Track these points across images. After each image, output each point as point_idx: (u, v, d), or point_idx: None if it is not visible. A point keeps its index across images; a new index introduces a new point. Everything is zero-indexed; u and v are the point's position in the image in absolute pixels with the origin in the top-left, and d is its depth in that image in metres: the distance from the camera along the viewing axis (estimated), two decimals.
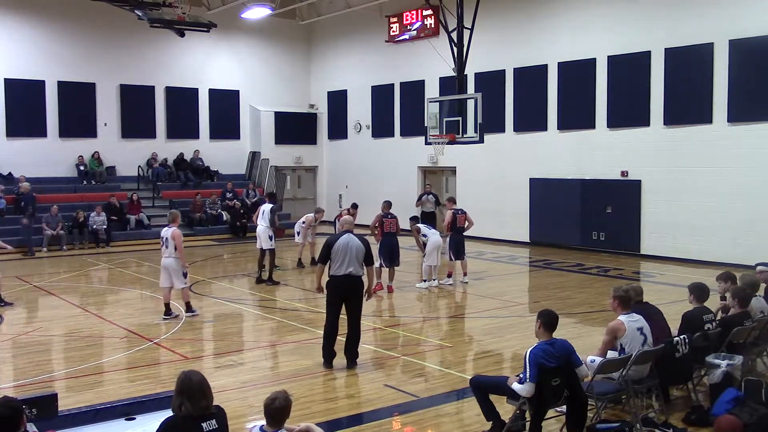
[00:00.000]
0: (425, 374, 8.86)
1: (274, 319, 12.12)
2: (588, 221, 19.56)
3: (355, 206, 16.60)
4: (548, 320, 6.18)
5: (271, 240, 14.95)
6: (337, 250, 8.79)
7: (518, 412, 6.26)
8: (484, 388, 6.58)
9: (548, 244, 20.42)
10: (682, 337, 7.03)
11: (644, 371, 6.83)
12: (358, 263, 8.81)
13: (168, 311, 11.74)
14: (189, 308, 11.88)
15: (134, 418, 5.81)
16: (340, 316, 8.98)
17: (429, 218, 20.86)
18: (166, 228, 11.85)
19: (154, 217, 23.68)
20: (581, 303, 12.87)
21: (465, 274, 15.18)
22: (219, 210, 24.38)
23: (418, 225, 15.08)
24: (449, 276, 15.04)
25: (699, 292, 7.64)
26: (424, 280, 14.58)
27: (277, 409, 4.51)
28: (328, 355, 8.93)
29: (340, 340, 9.04)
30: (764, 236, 15.84)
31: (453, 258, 14.99)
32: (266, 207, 15.25)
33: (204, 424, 4.46)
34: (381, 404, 7.67)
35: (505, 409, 6.52)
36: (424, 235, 14.70)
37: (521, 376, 6.07)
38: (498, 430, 6.41)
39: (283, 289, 14.69)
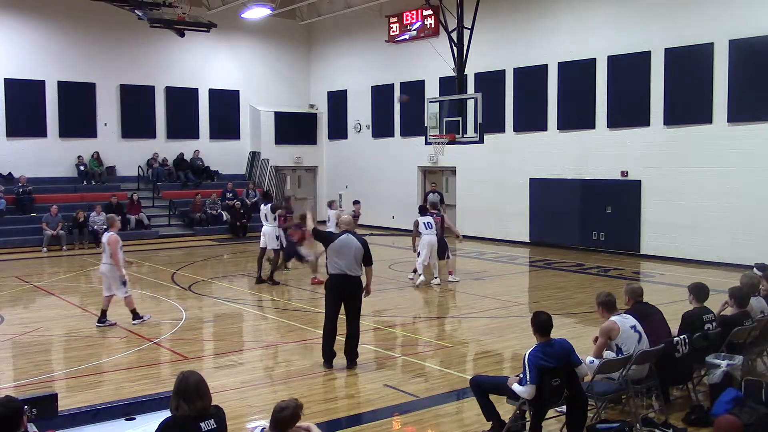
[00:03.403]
0: (425, 374, 8.85)
1: (274, 319, 12.12)
2: (588, 221, 19.56)
3: (356, 202, 17.22)
4: (541, 324, 6.17)
5: (277, 239, 14.94)
6: (334, 249, 8.80)
7: (518, 412, 6.26)
8: (484, 388, 6.58)
9: (548, 244, 20.41)
10: (682, 337, 7.03)
11: (644, 371, 6.83)
12: (356, 263, 8.80)
13: (102, 318, 11.24)
14: (136, 315, 11.32)
15: (134, 418, 5.79)
16: (341, 316, 8.99)
17: None
18: (104, 233, 11.48)
19: (154, 218, 23.71)
20: (581, 303, 12.88)
21: (451, 273, 15.35)
22: (219, 210, 24.39)
23: (417, 219, 15.04)
24: (415, 270, 15.15)
25: (699, 292, 7.64)
26: (414, 271, 14.81)
27: (283, 419, 4.49)
28: (328, 355, 8.93)
29: (340, 340, 9.04)
30: (764, 236, 15.84)
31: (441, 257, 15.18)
32: (266, 209, 15.26)
33: (202, 425, 4.46)
34: (381, 404, 7.66)
35: (505, 409, 6.52)
36: (420, 232, 14.81)
37: (521, 376, 6.07)
38: (498, 430, 6.41)
39: (283, 289, 14.68)
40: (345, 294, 8.86)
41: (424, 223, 14.78)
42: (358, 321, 9.01)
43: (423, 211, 15.34)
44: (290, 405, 4.52)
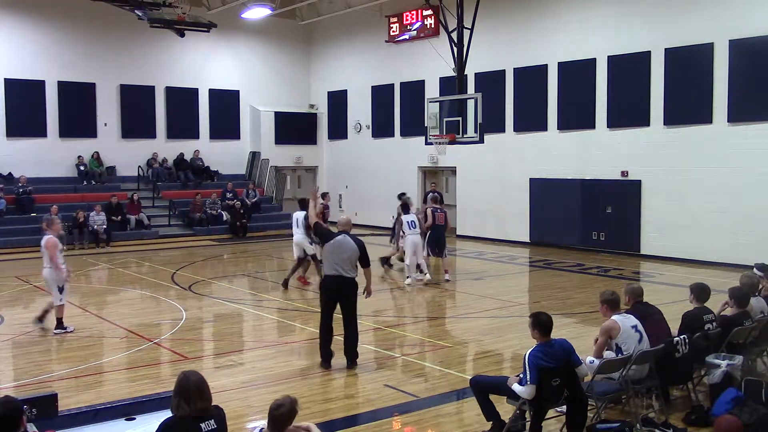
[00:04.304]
0: (425, 374, 8.86)
1: (274, 319, 12.13)
2: (588, 221, 19.56)
3: (402, 195, 16.86)
4: (541, 324, 6.16)
5: (312, 244, 14.27)
6: (328, 250, 8.79)
7: (518, 412, 6.26)
8: (484, 388, 6.58)
9: (548, 244, 20.41)
10: (682, 337, 7.03)
11: (644, 371, 6.83)
12: (350, 265, 8.74)
13: (59, 325, 10.75)
14: (60, 325, 10.73)
15: (134, 418, 5.79)
16: (338, 316, 8.97)
17: None
18: (43, 236, 10.76)
19: (154, 218, 23.71)
20: (581, 303, 12.89)
21: (446, 272, 15.30)
22: (219, 210, 24.38)
23: (401, 218, 15.01)
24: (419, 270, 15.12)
25: (699, 292, 7.64)
26: (408, 277, 14.74)
27: (280, 416, 4.48)
28: (326, 354, 8.91)
29: (339, 339, 9.03)
30: (764, 236, 15.84)
31: (430, 254, 15.11)
32: (299, 215, 14.59)
33: (203, 425, 4.45)
34: (381, 404, 7.66)
35: (505, 409, 6.51)
36: (403, 232, 14.82)
37: (521, 376, 6.07)
38: (498, 430, 6.41)
39: (284, 288, 14.66)
40: (339, 295, 8.83)
41: (408, 222, 14.71)
42: (355, 321, 8.97)
43: (406, 209, 15.22)
44: (286, 402, 4.51)
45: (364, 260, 8.92)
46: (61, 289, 10.67)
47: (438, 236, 15.00)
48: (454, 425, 7.05)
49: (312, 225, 9.39)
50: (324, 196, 17.87)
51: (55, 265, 10.55)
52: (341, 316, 8.93)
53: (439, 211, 15.19)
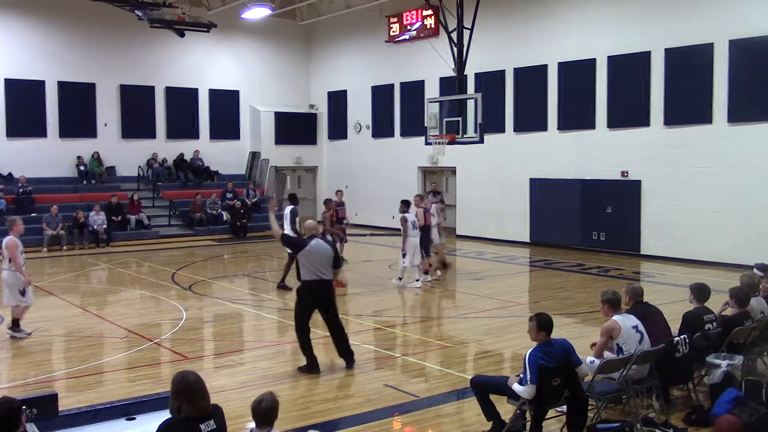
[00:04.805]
0: (425, 374, 8.85)
1: (274, 319, 12.12)
2: (588, 221, 19.56)
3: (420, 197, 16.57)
4: (543, 322, 6.15)
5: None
6: (305, 256, 8.75)
7: (518, 412, 6.25)
8: (485, 388, 6.58)
9: (548, 244, 20.40)
10: (682, 337, 7.03)
11: (644, 371, 6.83)
12: (328, 267, 8.78)
13: (16, 327, 10.55)
14: (15, 325, 10.51)
15: (134, 418, 5.81)
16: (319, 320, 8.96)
17: None
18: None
19: (154, 218, 23.71)
20: (581, 303, 12.89)
21: (438, 269, 15.38)
22: (219, 210, 24.38)
23: (405, 216, 14.60)
24: (426, 273, 15.01)
25: (700, 292, 7.64)
26: (399, 278, 14.62)
27: (264, 411, 4.50)
28: (314, 359, 8.77)
29: (327, 340, 9.03)
30: (764, 236, 15.84)
31: (425, 256, 15.07)
32: (287, 210, 14.90)
33: (202, 425, 4.44)
34: (381, 404, 7.66)
35: (505, 409, 6.52)
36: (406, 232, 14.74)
37: (521, 376, 6.07)
38: (498, 430, 6.41)
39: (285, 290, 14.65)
40: (322, 298, 8.81)
41: (411, 222, 14.58)
42: (340, 321, 8.97)
43: (407, 206, 14.83)
44: (266, 397, 4.56)
45: (336, 261, 9.01)
46: (23, 292, 10.44)
47: (426, 236, 14.95)
48: (454, 425, 7.05)
49: (279, 237, 9.33)
50: (337, 192, 17.77)
51: (17, 266, 10.37)
52: (327, 319, 8.87)
53: (428, 211, 15.21)
